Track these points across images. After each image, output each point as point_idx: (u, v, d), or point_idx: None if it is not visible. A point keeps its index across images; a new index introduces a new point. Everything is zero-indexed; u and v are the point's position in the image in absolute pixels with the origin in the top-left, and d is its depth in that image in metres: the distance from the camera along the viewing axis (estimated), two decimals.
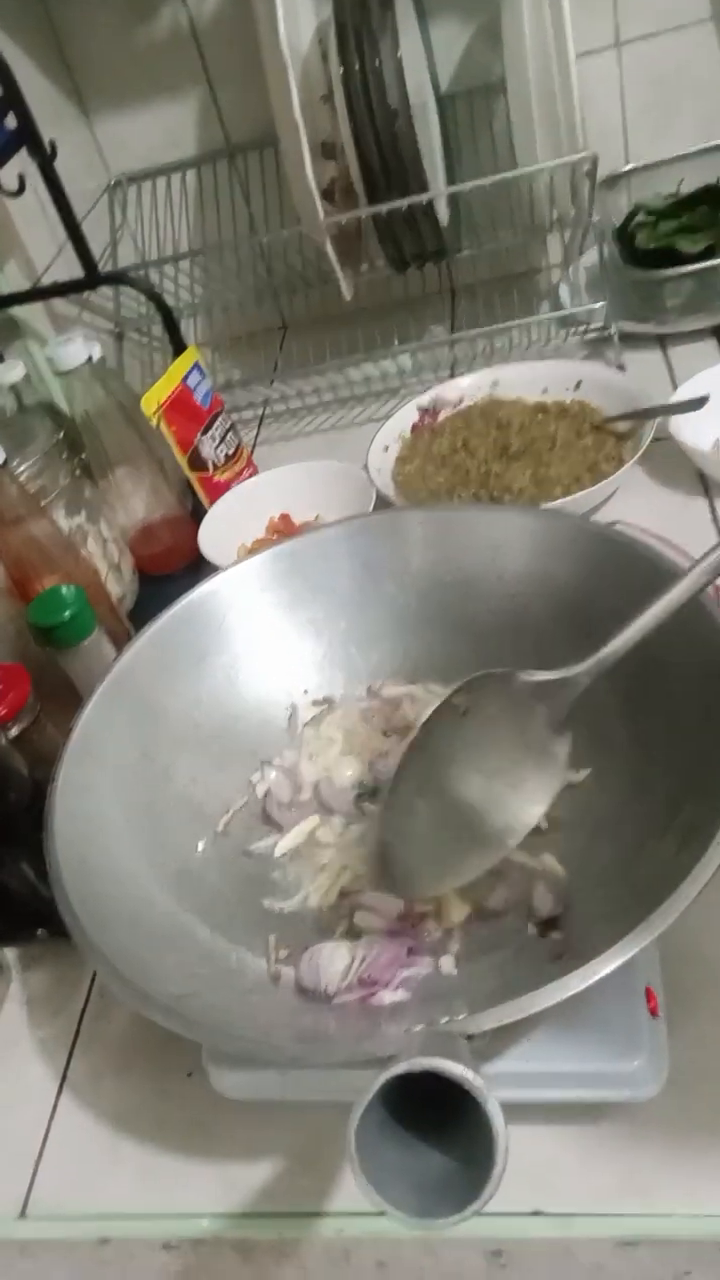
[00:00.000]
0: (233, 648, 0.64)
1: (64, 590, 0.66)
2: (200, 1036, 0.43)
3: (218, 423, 0.88)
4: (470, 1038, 0.37)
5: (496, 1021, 0.38)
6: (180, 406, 0.85)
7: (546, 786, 0.48)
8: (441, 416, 0.95)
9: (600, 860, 0.51)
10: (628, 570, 0.56)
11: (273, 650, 0.65)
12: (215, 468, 0.87)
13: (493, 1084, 0.34)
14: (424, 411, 0.95)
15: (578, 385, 0.92)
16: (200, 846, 0.58)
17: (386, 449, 0.92)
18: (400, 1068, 0.33)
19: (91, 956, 0.45)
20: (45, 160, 0.81)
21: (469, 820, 0.49)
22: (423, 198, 0.89)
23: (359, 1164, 0.33)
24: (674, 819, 0.46)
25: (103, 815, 0.54)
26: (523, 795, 0.48)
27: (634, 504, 0.80)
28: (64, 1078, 0.57)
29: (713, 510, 0.80)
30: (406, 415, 0.95)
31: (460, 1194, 0.33)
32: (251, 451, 0.96)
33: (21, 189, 0.82)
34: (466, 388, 0.95)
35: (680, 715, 0.51)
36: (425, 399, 0.95)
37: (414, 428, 0.95)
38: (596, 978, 0.38)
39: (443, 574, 0.64)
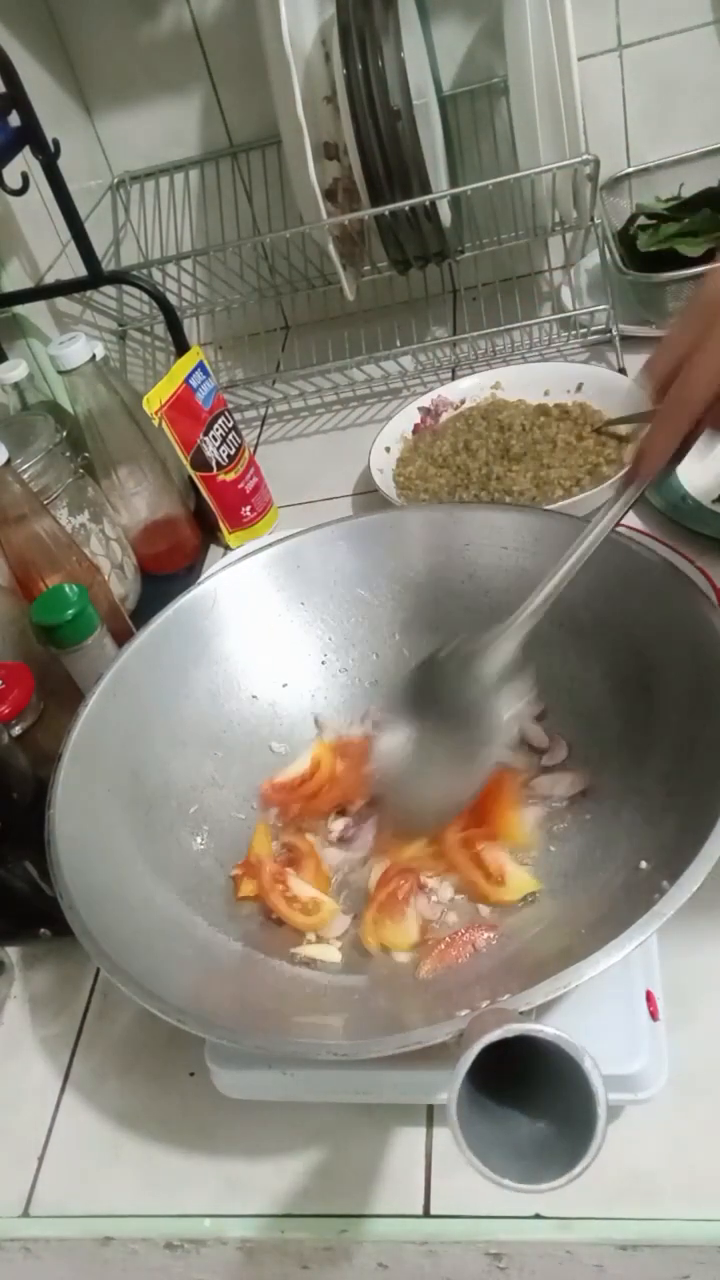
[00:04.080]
0: (232, 646, 0.64)
1: (67, 590, 0.66)
2: (205, 1032, 0.43)
3: (220, 423, 0.88)
4: (523, 1013, 0.36)
5: (545, 996, 0.38)
6: (182, 406, 0.85)
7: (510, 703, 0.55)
8: (443, 418, 0.95)
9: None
10: (627, 572, 0.56)
11: (271, 649, 0.65)
12: (219, 467, 0.87)
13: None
14: (425, 412, 0.95)
15: (579, 387, 0.92)
16: (199, 841, 0.58)
17: (388, 450, 0.92)
18: (494, 1035, 0.33)
19: (93, 951, 0.45)
20: (48, 159, 0.81)
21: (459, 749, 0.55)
22: (425, 199, 0.89)
23: (462, 1137, 0.33)
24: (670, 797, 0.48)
25: (104, 812, 0.55)
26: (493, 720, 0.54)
27: (634, 506, 0.80)
28: (66, 1077, 0.57)
29: None
30: (408, 416, 0.95)
31: (559, 1156, 0.33)
32: (254, 452, 0.97)
33: (25, 188, 0.82)
34: (468, 389, 0.96)
35: (672, 698, 0.52)
36: (427, 400, 0.95)
37: (415, 429, 0.95)
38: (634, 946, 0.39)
39: (443, 575, 0.64)
